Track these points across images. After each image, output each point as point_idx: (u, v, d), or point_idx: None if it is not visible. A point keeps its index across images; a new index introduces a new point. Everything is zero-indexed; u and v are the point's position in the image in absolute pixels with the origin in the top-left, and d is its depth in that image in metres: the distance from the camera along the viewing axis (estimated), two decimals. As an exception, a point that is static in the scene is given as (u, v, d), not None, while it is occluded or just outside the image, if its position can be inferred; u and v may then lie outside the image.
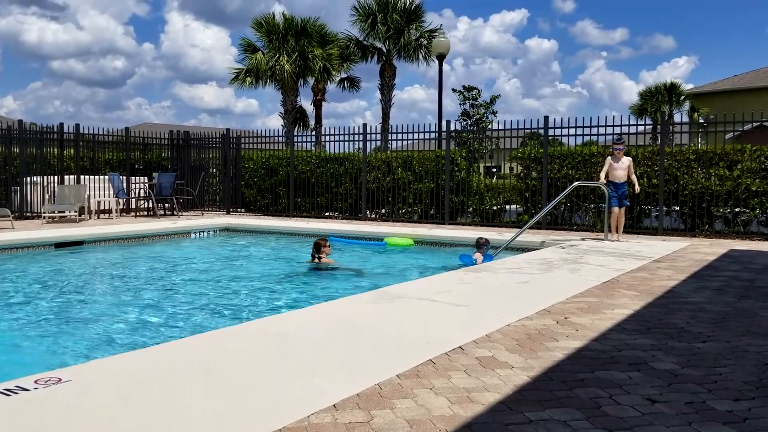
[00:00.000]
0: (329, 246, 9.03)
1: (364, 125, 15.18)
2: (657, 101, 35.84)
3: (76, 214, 14.16)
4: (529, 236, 10.62)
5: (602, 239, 10.45)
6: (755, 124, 13.91)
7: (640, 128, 14.69)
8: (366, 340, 4.25)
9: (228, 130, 17.52)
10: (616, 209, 10.29)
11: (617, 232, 10.45)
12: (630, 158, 10.46)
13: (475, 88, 25.21)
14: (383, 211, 14.99)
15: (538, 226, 12.19)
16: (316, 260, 8.89)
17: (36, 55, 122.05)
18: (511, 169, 15.73)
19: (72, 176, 15.83)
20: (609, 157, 10.58)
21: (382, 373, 3.47)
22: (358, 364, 3.68)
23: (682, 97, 36.00)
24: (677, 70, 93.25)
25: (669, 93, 36.03)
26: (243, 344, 4.11)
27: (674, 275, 6.98)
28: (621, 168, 10.35)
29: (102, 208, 15.90)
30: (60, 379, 3.28)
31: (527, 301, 5.51)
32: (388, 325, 4.66)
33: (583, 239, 10.59)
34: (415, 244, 11.29)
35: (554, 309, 5.22)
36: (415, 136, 14.70)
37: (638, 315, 5.03)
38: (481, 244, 9.52)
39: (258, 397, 3.10)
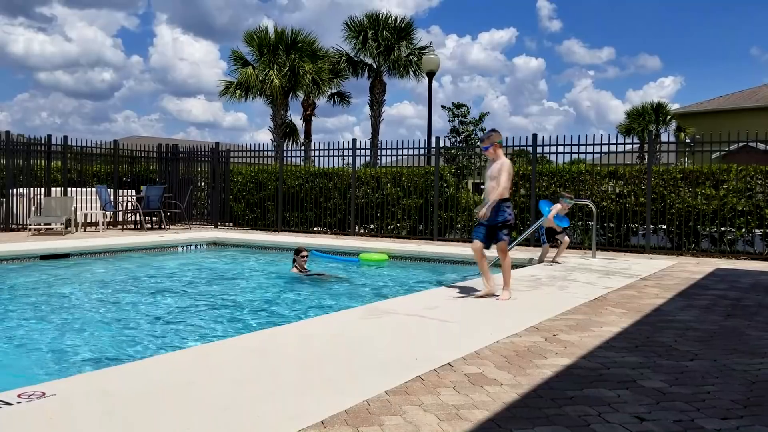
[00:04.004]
0: (305, 257, 9.42)
1: (354, 140, 15.21)
2: (644, 120, 36.23)
3: (63, 226, 14.04)
4: (517, 253, 10.63)
5: (590, 257, 10.49)
6: (741, 145, 14.08)
7: (628, 147, 14.80)
8: (355, 356, 4.22)
9: (217, 143, 17.49)
10: (477, 243, 6.53)
11: (487, 280, 6.60)
12: (506, 162, 6.45)
13: (464, 105, 25.35)
14: (372, 226, 14.98)
15: (526, 243, 12.22)
16: (295, 268, 9.33)
17: (23, 66, 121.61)
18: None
19: (59, 188, 15.72)
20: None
21: (371, 390, 3.45)
22: (347, 380, 3.66)
23: (669, 117, 36.42)
24: (663, 90, 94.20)
25: (656, 112, 36.45)
26: (229, 359, 4.08)
27: (662, 293, 7.01)
28: (489, 177, 6.55)
29: (89, 220, 15.79)
30: (44, 394, 3.24)
31: (516, 318, 5.51)
32: (377, 341, 4.64)
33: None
34: (391, 260, 11.29)
35: (543, 326, 5.22)
36: (405, 151, 14.74)
37: (626, 333, 5.04)
38: (563, 196, 9.78)
39: (245, 414, 3.06)
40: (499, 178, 6.36)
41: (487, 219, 6.40)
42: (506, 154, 13.84)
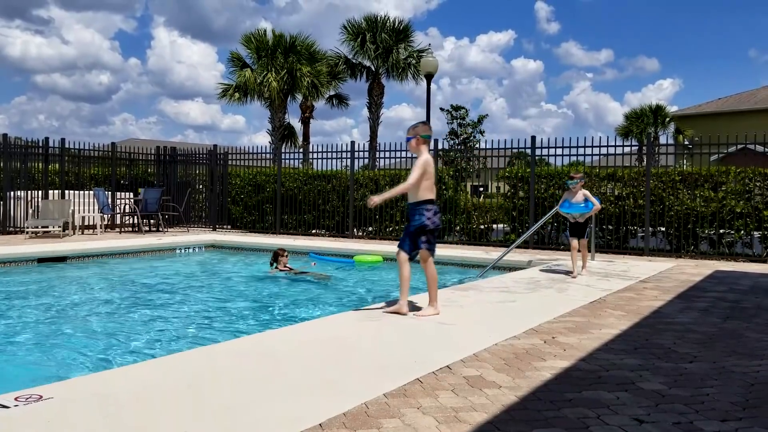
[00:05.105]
0: (287, 256, 9.94)
1: (352, 143, 15.21)
2: (642, 123, 36.27)
3: (60, 229, 14.01)
4: (516, 255, 10.63)
5: (589, 259, 10.47)
6: (739, 147, 14.08)
7: (626, 149, 14.81)
8: (353, 358, 4.21)
9: (215, 146, 17.48)
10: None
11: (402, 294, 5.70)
12: (421, 158, 5.59)
13: (463, 108, 25.41)
14: (370, 228, 14.96)
15: (525, 245, 12.22)
16: (275, 269, 9.75)
17: (19, 69, 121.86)
18: (498, 188, 15.80)
19: (56, 191, 15.70)
20: None
21: (369, 392, 3.43)
22: (345, 383, 3.65)
23: (667, 119, 36.46)
24: (662, 92, 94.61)
25: (654, 115, 36.49)
26: (228, 362, 4.06)
27: (660, 296, 7.00)
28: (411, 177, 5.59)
29: (86, 223, 15.76)
30: (41, 397, 3.22)
31: (514, 321, 5.49)
32: (376, 344, 4.63)
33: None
34: (389, 262, 11.28)
35: (542, 328, 5.21)
36: (403, 154, 14.73)
37: (625, 335, 5.03)
38: (572, 177, 8.43)
39: (243, 416, 3.05)
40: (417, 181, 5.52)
41: (409, 224, 5.69)
42: (504, 157, 13.99)
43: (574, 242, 8.44)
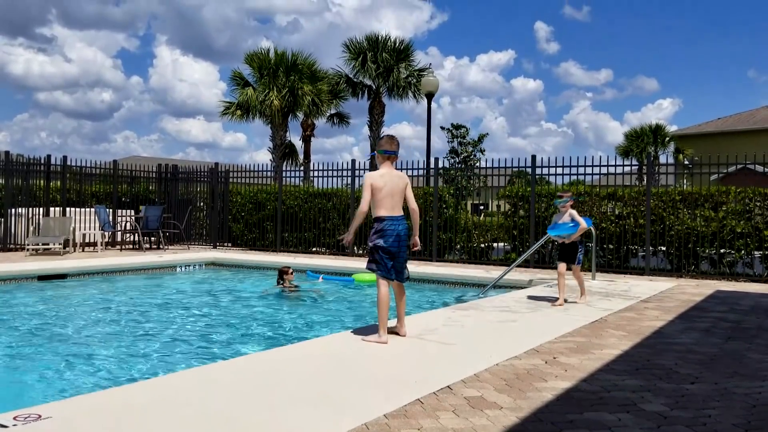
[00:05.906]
0: (292, 274, 10.03)
1: (353, 161, 15.25)
2: (642, 142, 36.32)
3: (61, 246, 14.02)
4: (517, 275, 10.62)
5: (589, 279, 10.46)
6: (739, 167, 14.12)
7: (627, 169, 14.84)
8: (353, 378, 4.19)
9: (216, 164, 17.52)
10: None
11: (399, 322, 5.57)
12: (366, 178, 5.62)
13: (464, 126, 25.51)
14: (371, 247, 14.94)
15: (526, 264, 12.20)
16: (281, 285, 9.85)
17: (22, 86, 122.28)
18: (498, 207, 15.80)
19: (58, 208, 15.72)
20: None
21: (370, 413, 3.42)
22: (345, 404, 3.63)
23: (667, 139, 36.52)
24: (661, 112, 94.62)
25: (654, 134, 36.55)
26: (228, 381, 4.05)
27: (662, 316, 6.98)
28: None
29: (87, 240, 15.76)
30: (40, 416, 3.21)
31: (516, 341, 5.48)
32: (376, 364, 4.62)
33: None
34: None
35: (543, 348, 5.20)
36: (404, 173, 14.72)
37: (627, 355, 5.01)
38: (560, 196, 7.88)
39: (243, 437, 3.04)
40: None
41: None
42: (505, 175, 13.99)
43: (561, 267, 7.71)
